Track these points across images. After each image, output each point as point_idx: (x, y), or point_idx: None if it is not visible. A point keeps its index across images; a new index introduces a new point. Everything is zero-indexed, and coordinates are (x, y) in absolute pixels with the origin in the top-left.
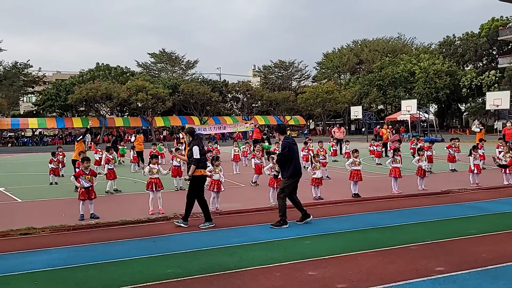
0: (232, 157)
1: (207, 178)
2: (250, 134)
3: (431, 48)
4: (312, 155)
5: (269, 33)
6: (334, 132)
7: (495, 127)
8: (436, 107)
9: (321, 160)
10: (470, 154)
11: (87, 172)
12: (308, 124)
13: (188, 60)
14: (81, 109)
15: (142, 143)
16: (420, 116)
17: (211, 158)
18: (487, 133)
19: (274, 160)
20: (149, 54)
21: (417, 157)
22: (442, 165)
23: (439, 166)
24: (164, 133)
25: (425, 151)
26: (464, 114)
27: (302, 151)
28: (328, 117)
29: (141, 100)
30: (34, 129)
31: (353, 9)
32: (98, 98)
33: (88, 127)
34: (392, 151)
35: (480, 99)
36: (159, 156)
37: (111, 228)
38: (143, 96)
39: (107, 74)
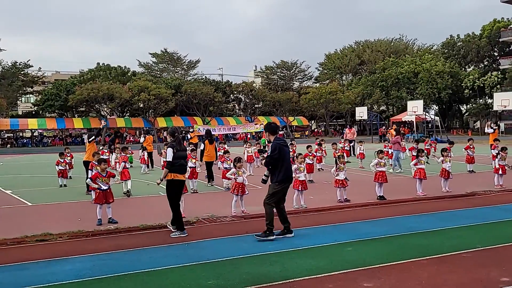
0: (246, 158)
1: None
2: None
3: (432, 49)
4: (336, 156)
5: (270, 33)
6: (346, 133)
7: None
8: (437, 108)
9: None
10: (497, 155)
11: (104, 175)
12: (310, 125)
13: (190, 60)
14: (82, 109)
15: (152, 144)
16: (426, 117)
17: (233, 159)
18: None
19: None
20: (150, 54)
21: (441, 158)
22: (458, 167)
23: (455, 167)
24: (166, 133)
25: (449, 152)
26: (465, 115)
27: (316, 152)
28: (331, 117)
29: (143, 101)
30: (33, 130)
31: (353, 10)
32: (99, 98)
33: (101, 127)
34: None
35: (482, 100)
36: None
37: (132, 233)
38: (146, 97)
39: (107, 74)
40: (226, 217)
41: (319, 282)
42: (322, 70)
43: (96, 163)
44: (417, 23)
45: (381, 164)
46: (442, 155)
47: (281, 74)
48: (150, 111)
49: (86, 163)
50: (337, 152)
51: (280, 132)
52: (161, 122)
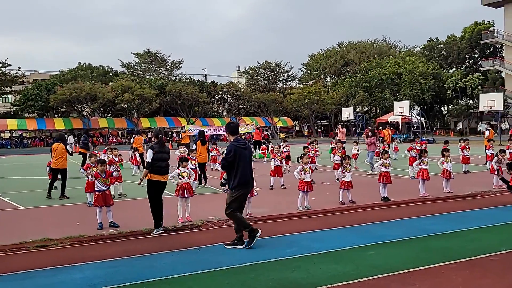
0: None
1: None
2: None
3: (415, 51)
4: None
5: (252, 34)
6: (337, 133)
7: (478, 129)
8: (418, 108)
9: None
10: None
11: (103, 175)
12: (294, 125)
13: (174, 60)
14: (63, 109)
15: (142, 144)
16: (411, 118)
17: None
18: (471, 135)
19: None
20: (133, 54)
21: (442, 159)
22: (453, 167)
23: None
24: (149, 134)
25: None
26: (447, 116)
27: (309, 152)
28: (315, 118)
29: (126, 101)
30: (12, 131)
31: (335, 12)
32: (82, 98)
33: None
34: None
35: (463, 101)
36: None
37: (137, 238)
38: (129, 97)
39: (89, 74)
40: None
41: None
42: (306, 71)
43: (90, 163)
44: (399, 25)
45: (385, 164)
46: (443, 155)
47: (265, 75)
48: (134, 111)
49: (55, 171)
50: (339, 152)
51: (265, 133)
52: (145, 123)
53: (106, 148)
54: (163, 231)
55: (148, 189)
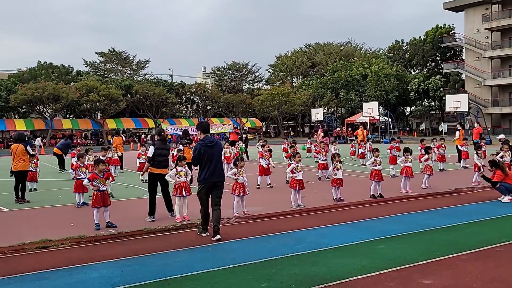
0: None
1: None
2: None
3: (379, 53)
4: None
5: (216, 34)
6: (319, 136)
7: (440, 129)
8: (382, 110)
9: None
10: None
11: (101, 176)
12: (263, 126)
13: (139, 60)
14: (23, 110)
15: (121, 145)
16: (379, 119)
17: (233, 159)
18: (433, 135)
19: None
20: (97, 53)
21: (426, 156)
22: None
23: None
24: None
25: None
26: (409, 117)
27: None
28: (284, 119)
29: (92, 101)
30: None
31: (300, 14)
32: (44, 98)
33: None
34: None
35: (426, 102)
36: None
37: (139, 237)
38: (95, 97)
39: (50, 73)
40: (229, 218)
41: (377, 280)
42: (273, 72)
43: (79, 164)
44: (363, 28)
45: (377, 162)
46: (427, 153)
47: (232, 76)
48: (98, 112)
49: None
50: (322, 151)
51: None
52: (111, 124)
53: (85, 150)
54: (154, 219)
55: (149, 180)
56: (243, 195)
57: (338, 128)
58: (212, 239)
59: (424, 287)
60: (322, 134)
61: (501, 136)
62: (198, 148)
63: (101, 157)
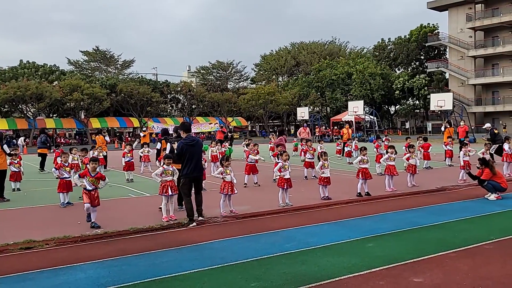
0: (210, 157)
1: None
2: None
3: (363, 52)
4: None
5: (201, 34)
6: (300, 132)
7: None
8: (367, 108)
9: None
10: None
11: (93, 175)
12: (248, 125)
13: (124, 60)
14: (5, 109)
15: (105, 145)
16: (365, 117)
17: (220, 158)
18: (417, 134)
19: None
20: (81, 52)
21: (408, 155)
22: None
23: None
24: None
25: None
26: (394, 115)
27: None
28: (269, 118)
29: (76, 100)
30: None
31: (284, 13)
32: (27, 97)
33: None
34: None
35: (411, 101)
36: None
37: (126, 237)
38: (79, 96)
39: (32, 72)
40: (217, 217)
41: (368, 279)
42: (258, 71)
43: (63, 162)
44: (347, 27)
45: (364, 161)
46: (409, 152)
47: (217, 75)
48: (82, 111)
49: None
50: (310, 149)
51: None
52: (95, 123)
53: (69, 149)
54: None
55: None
56: (231, 193)
57: (324, 127)
58: (198, 219)
59: (415, 285)
60: (278, 133)
61: (487, 125)
62: (180, 147)
63: (95, 155)
